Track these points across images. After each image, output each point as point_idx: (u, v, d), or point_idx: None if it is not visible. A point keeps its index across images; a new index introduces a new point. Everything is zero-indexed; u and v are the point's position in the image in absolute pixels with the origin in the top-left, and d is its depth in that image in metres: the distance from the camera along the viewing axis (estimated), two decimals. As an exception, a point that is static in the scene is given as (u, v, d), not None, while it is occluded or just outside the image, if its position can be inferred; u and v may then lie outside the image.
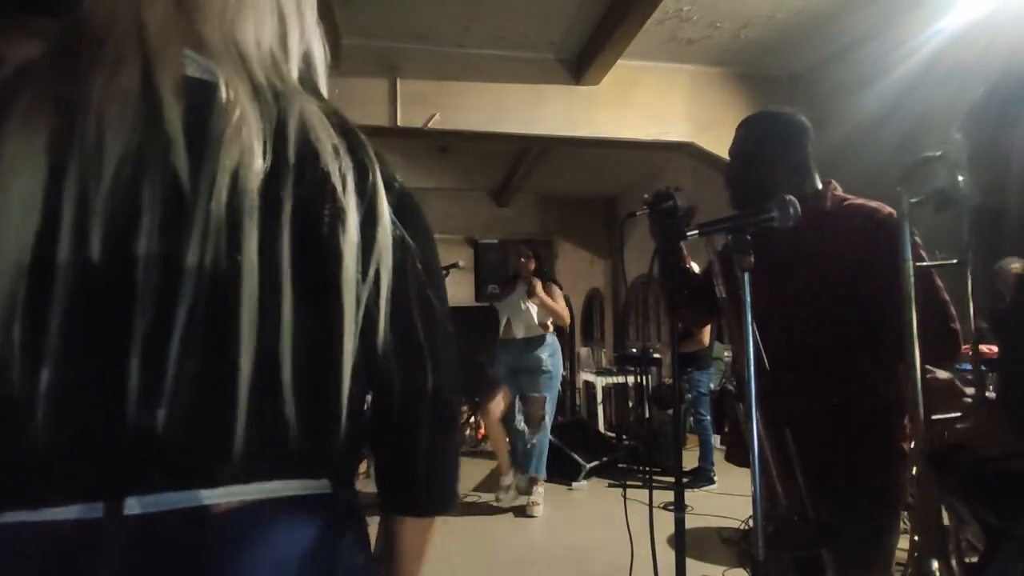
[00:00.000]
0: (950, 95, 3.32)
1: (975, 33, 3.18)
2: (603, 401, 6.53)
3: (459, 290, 3.49)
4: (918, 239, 1.24)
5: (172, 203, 0.51)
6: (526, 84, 4.42)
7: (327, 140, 0.57)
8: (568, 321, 4.14)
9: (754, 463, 1.04)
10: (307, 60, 0.65)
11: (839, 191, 1.43)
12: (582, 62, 4.37)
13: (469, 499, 3.99)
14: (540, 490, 3.95)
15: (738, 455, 1.41)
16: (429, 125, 4.30)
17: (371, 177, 0.60)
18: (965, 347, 1.27)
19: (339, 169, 0.56)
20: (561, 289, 4.22)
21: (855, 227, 1.33)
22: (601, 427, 6.21)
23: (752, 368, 1.06)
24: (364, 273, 0.58)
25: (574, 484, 4.48)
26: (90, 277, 0.49)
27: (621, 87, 4.49)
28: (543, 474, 4.00)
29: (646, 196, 1.53)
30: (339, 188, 0.56)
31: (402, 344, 0.62)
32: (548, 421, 4.03)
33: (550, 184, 7.71)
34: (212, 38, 0.56)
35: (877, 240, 1.28)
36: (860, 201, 1.38)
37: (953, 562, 0.88)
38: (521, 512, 3.85)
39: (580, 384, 7.69)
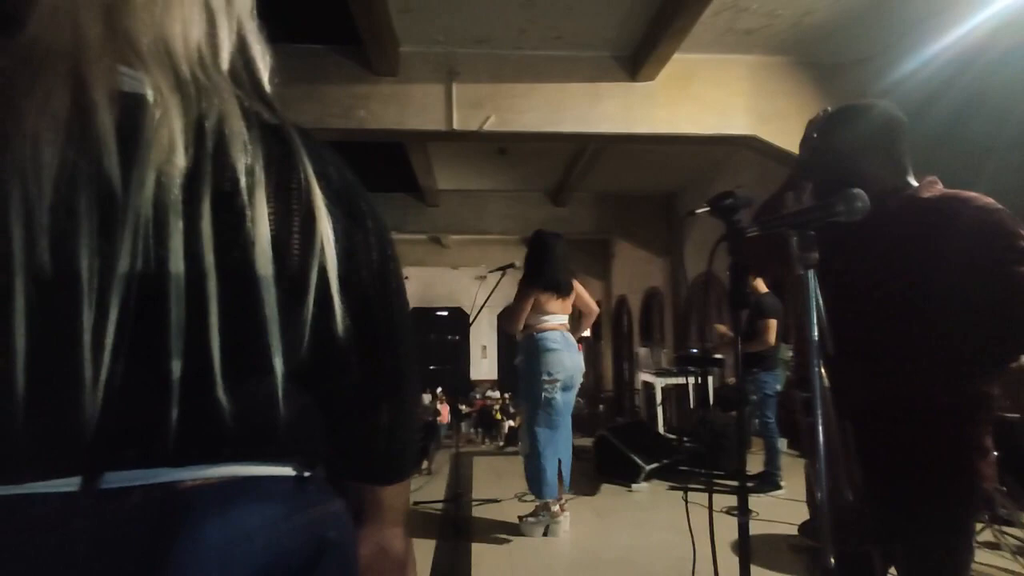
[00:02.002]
0: (1006, 75, 3.12)
1: None
2: (663, 402, 6.42)
3: (515, 290, 3.51)
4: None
5: (106, 207, 0.55)
6: (582, 83, 4.41)
7: (239, 134, 0.59)
8: (511, 325, 3.46)
9: (820, 461, 1.00)
10: (243, 53, 0.67)
11: (939, 184, 1.35)
12: (638, 58, 4.31)
13: (527, 500, 4.02)
14: (541, 514, 3.37)
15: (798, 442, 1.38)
16: (485, 127, 4.35)
17: (299, 170, 0.63)
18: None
19: (246, 162, 0.59)
20: (563, 291, 3.51)
21: (961, 221, 1.24)
22: (661, 429, 6.10)
23: (817, 363, 1.03)
24: (305, 268, 0.62)
25: (634, 486, 4.42)
26: (42, 285, 0.54)
27: (678, 81, 4.40)
28: (540, 495, 3.39)
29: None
30: (243, 181, 0.59)
31: (359, 329, 0.67)
32: (528, 432, 3.42)
33: (607, 182, 7.64)
34: (142, 40, 0.60)
35: (975, 228, 1.21)
36: (962, 193, 1.29)
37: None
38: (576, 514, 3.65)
39: (639, 385, 7.57)
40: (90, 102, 0.56)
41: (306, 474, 0.64)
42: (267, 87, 0.69)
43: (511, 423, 6.97)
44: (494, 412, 7.64)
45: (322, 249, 0.63)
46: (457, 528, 3.54)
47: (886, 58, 4.22)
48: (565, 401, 3.46)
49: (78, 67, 0.57)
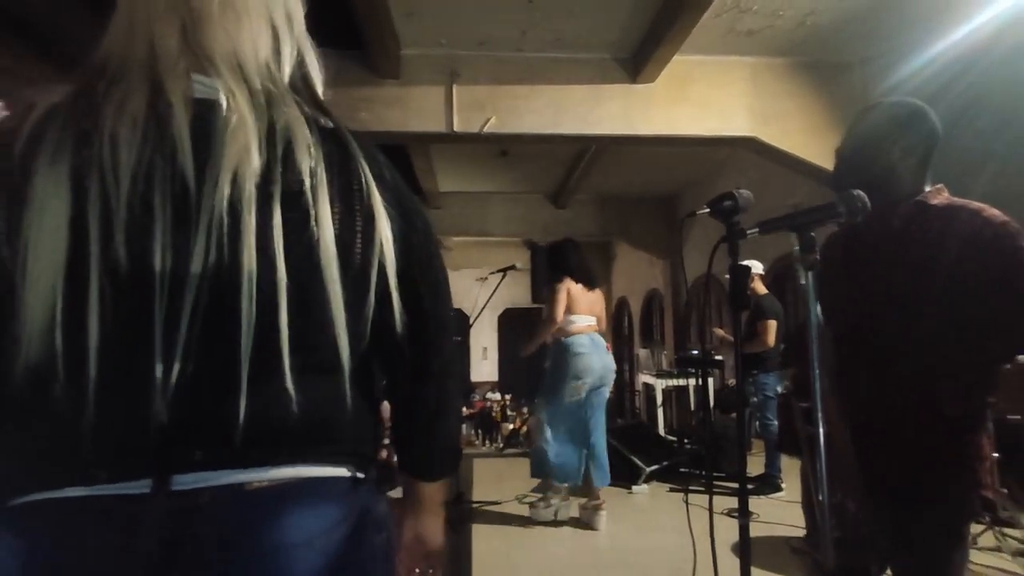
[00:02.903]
0: (1009, 75, 3.12)
1: None
2: (663, 404, 6.41)
3: (517, 292, 3.53)
4: None
5: (180, 203, 0.57)
6: (583, 85, 4.41)
7: (304, 139, 0.62)
8: (551, 322, 3.59)
9: (821, 469, 1.00)
10: (301, 67, 0.72)
11: (945, 191, 1.34)
12: (638, 60, 4.31)
13: (528, 500, 4.01)
14: (549, 494, 3.66)
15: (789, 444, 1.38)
16: (486, 129, 4.35)
17: (359, 173, 0.65)
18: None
19: (311, 164, 0.62)
20: (589, 283, 3.69)
21: (972, 232, 1.24)
22: (661, 430, 6.09)
23: (817, 367, 1.03)
24: (366, 266, 0.64)
25: (634, 488, 4.41)
26: (118, 280, 0.55)
27: (678, 83, 4.40)
28: (555, 479, 3.64)
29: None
30: (308, 182, 0.61)
31: (413, 326, 0.69)
32: (544, 426, 3.61)
33: (608, 184, 7.64)
34: (216, 53, 0.63)
35: (991, 246, 1.22)
36: (971, 204, 1.30)
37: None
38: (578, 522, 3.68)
39: (639, 386, 7.57)
40: (166, 105, 0.59)
41: (360, 475, 0.66)
42: (321, 96, 0.72)
43: (511, 425, 6.95)
44: (494, 414, 7.63)
45: (382, 248, 0.65)
46: (457, 530, 3.54)
47: (888, 59, 4.21)
48: (599, 401, 3.68)
49: (155, 74, 0.60)
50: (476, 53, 4.34)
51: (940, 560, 1.25)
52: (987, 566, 2.68)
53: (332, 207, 0.62)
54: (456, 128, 4.35)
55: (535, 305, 4.49)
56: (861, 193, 1.05)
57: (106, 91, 0.59)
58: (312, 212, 0.60)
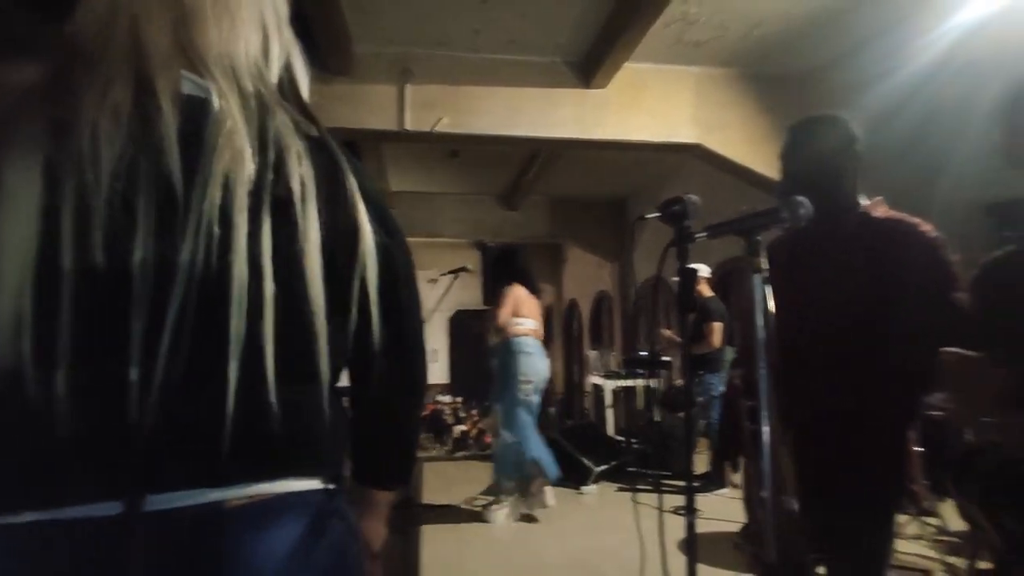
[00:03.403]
0: (961, 92, 3.31)
1: (988, 29, 3.15)
2: (612, 404, 6.51)
3: (467, 294, 3.50)
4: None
5: (166, 207, 0.54)
6: (536, 88, 4.44)
7: (293, 147, 0.61)
8: (501, 323, 3.70)
9: (767, 466, 1.03)
10: (287, 69, 0.70)
11: (884, 204, 1.42)
12: (589, 65, 4.37)
13: (479, 503, 3.99)
14: (503, 497, 3.71)
15: (729, 453, 1.44)
16: (437, 129, 4.32)
17: (345, 185, 0.65)
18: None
19: (301, 174, 0.60)
20: (534, 289, 3.85)
21: (902, 242, 1.33)
22: (610, 431, 6.19)
23: (764, 370, 1.06)
24: (348, 278, 0.64)
25: (583, 488, 4.46)
26: (93, 283, 0.51)
27: (629, 90, 4.49)
28: (511, 478, 3.73)
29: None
30: (297, 192, 0.60)
31: (392, 343, 0.69)
32: (510, 425, 3.72)
33: (559, 187, 7.72)
34: (209, 52, 0.61)
35: (929, 259, 1.31)
36: (908, 219, 1.38)
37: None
38: (528, 518, 3.79)
39: (588, 387, 7.66)
40: (155, 103, 0.56)
41: (332, 487, 0.65)
42: (307, 99, 0.71)
43: (463, 428, 6.91)
44: (445, 417, 7.57)
45: (365, 263, 0.65)
46: (405, 535, 3.48)
47: (831, 72, 4.42)
48: (537, 401, 3.81)
49: (142, 68, 0.57)
50: (429, 52, 4.30)
51: (871, 551, 1.32)
52: (911, 554, 2.85)
53: (320, 218, 0.61)
54: (408, 127, 4.30)
55: (486, 307, 4.49)
56: (804, 199, 1.09)
57: (84, 77, 0.55)
58: (300, 223, 0.59)
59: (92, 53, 0.57)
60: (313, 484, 0.62)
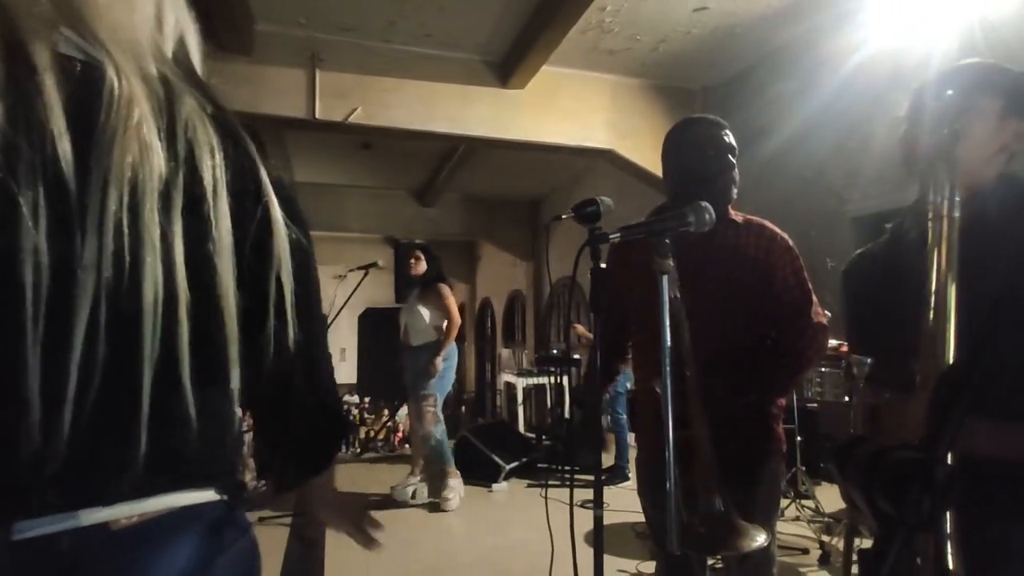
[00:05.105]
0: (849, 111, 3.67)
1: (882, 57, 3.47)
2: (524, 402, 6.60)
3: (378, 291, 3.41)
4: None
5: (56, 199, 0.47)
6: (453, 84, 4.40)
7: (204, 139, 0.56)
8: (456, 322, 4.05)
9: (669, 462, 1.07)
10: (181, 43, 0.64)
11: (737, 209, 1.53)
12: (507, 66, 4.40)
13: (387, 504, 3.89)
14: (452, 482, 3.95)
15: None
16: (351, 120, 4.16)
17: (258, 179, 0.60)
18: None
19: (212, 167, 0.55)
20: (452, 289, 4.18)
21: (767, 246, 1.45)
22: (521, 428, 6.26)
23: (668, 370, 1.10)
24: (263, 277, 0.59)
25: (494, 486, 4.48)
26: None
27: (546, 93, 4.57)
28: (449, 465, 4.02)
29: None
30: (210, 188, 0.55)
31: (306, 345, 0.65)
32: (439, 417, 4.04)
33: (474, 185, 7.70)
34: (98, 20, 0.53)
35: (785, 256, 1.45)
36: (764, 222, 1.51)
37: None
38: (436, 508, 3.88)
39: (501, 385, 7.72)
40: (31, 75, 0.46)
41: (230, 497, 0.60)
42: (200, 74, 0.64)
43: (373, 429, 6.73)
44: (352, 418, 7.34)
45: (280, 260, 0.60)
46: (307, 542, 3.33)
47: (729, 88, 4.73)
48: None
49: (11, 31, 0.47)
50: (341, 39, 4.14)
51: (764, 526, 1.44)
52: (790, 534, 3.10)
53: (231, 216, 0.55)
54: (318, 115, 4.11)
55: (398, 305, 4.42)
56: (708, 205, 1.15)
57: None
58: (212, 221, 0.54)
59: None
60: (208, 496, 0.57)
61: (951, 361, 0.72)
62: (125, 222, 0.48)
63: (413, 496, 4.07)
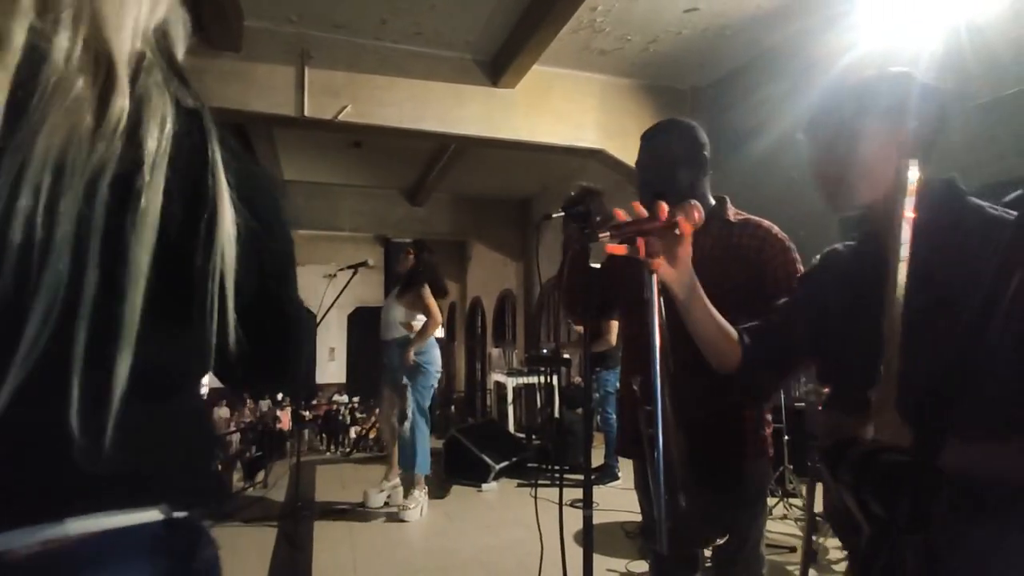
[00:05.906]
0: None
1: (872, 59, 3.49)
2: (514, 401, 6.59)
3: (368, 290, 3.39)
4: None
5: None
6: (444, 83, 4.38)
7: (158, 109, 0.51)
8: (435, 320, 3.90)
9: (659, 464, 1.07)
10: (162, 28, 0.60)
11: (731, 205, 1.53)
12: (498, 65, 4.39)
13: (370, 508, 3.87)
14: (417, 493, 3.79)
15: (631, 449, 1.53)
16: (341, 118, 4.14)
17: (208, 157, 0.54)
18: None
19: (159, 141, 0.51)
20: (437, 292, 4.00)
21: (759, 246, 1.44)
22: (511, 428, 6.26)
23: (657, 370, 1.09)
24: (205, 271, 0.53)
25: (484, 486, 4.47)
26: None
27: (537, 92, 4.56)
28: (416, 470, 3.82)
29: (572, 193, 1.58)
30: (150, 160, 0.50)
31: (256, 345, 0.58)
32: (411, 413, 3.86)
33: (465, 185, 7.69)
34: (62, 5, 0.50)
35: (779, 256, 1.42)
36: (760, 220, 1.49)
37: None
38: (395, 517, 3.73)
39: (491, 385, 7.71)
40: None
41: (177, 515, 0.54)
42: (182, 60, 0.59)
43: (362, 428, 6.70)
44: (341, 417, 7.30)
45: (222, 248, 0.53)
46: (295, 544, 3.30)
47: (719, 89, 4.75)
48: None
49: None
50: (331, 36, 4.11)
51: (749, 530, 1.43)
52: (778, 533, 3.11)
53: (167, 190, 0.50)
54: (308, 113, 4.08)
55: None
56: (697, 204, 1.14)
57: None
58: (142, 193, 0.49)
59: None
60: (146, 516, 0.51)
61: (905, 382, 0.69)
62: (44, 196, 0.45)
63: (386, 504, 3.93)
